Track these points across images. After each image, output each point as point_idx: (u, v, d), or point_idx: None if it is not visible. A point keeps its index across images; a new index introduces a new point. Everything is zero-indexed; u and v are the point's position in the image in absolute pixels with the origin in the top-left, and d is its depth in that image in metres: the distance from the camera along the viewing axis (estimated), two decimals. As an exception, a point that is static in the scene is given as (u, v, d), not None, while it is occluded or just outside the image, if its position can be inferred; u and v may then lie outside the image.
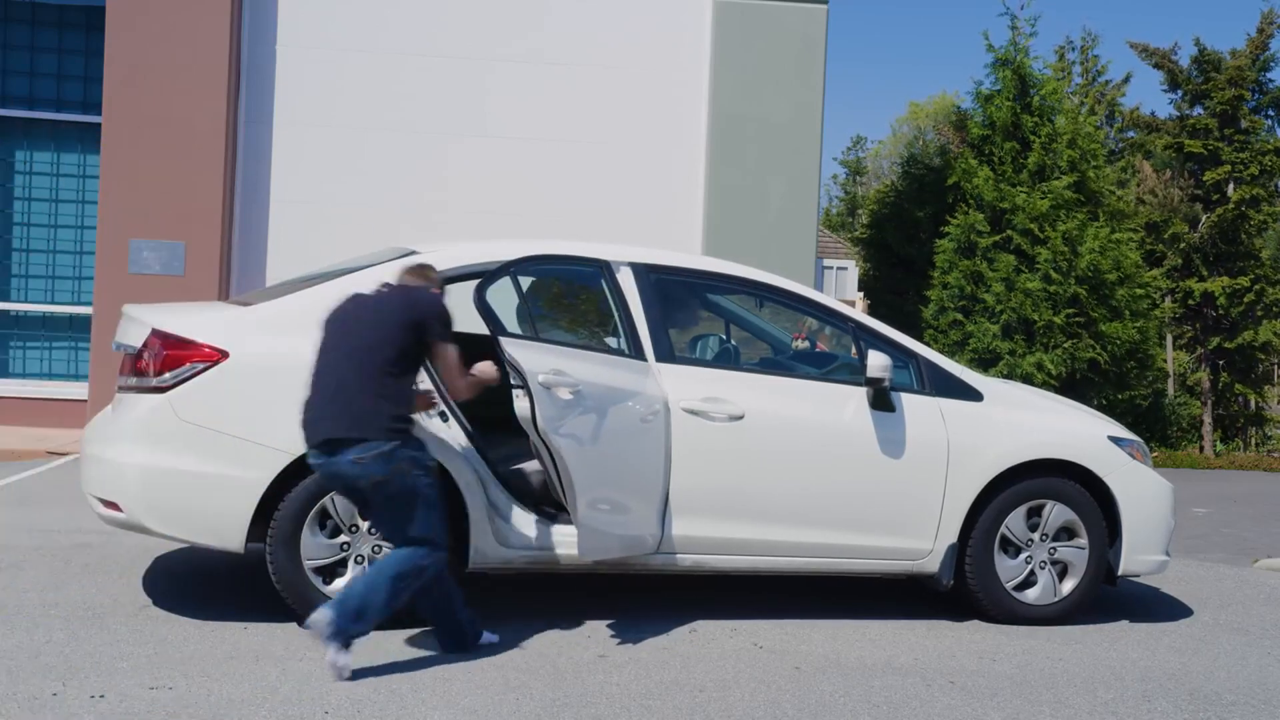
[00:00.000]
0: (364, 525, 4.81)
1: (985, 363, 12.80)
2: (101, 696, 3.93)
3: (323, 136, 10.92)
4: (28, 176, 11.30)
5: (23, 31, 11.28)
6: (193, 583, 5.56)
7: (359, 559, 4.85)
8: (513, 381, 4.57)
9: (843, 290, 28.77)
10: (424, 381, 4.71)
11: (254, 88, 10.88)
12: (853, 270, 28.05)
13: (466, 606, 4.64)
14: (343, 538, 4.83)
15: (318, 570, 4.78)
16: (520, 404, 4.54)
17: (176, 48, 10.34)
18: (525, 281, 5.19)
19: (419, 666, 4.43)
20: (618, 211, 11.02)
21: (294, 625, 4.81)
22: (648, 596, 5.71)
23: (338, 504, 4.78)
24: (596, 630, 5.07)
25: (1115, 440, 5.75)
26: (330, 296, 4.62)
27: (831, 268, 29.45)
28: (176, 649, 4.50)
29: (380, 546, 4.85)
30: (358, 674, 4.24)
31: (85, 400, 10.44)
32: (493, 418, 5.42)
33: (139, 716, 3.78)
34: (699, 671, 4.59)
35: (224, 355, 4.74)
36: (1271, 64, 18.86)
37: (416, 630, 4.82)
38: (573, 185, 11.11)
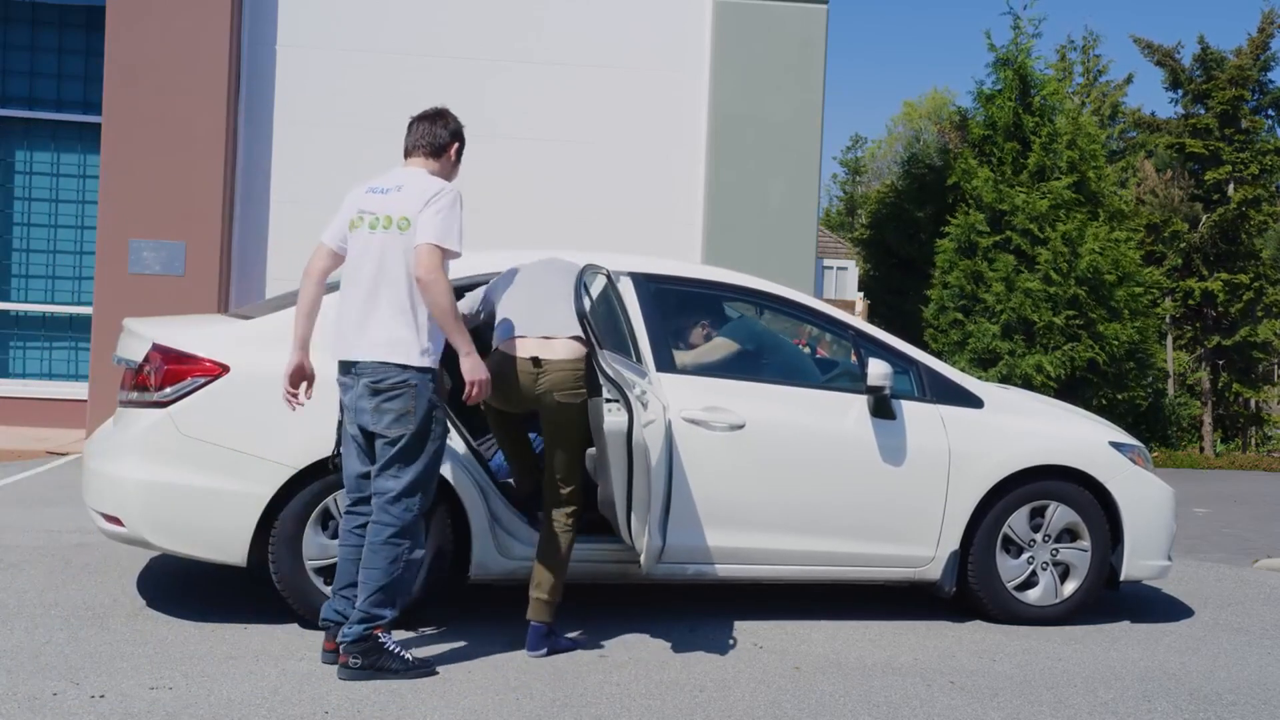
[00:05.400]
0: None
1: (985, 363, 12.78)
2: (101, 696, 3.93)
3: (323, 136, 10.90)
4: (28, 176, 11.29)
5: (23, 31, 11.27)
6: (193, 583, 5.55)
7: None
8: (606, 395, 4.52)
9: (843, 290, 28.84)
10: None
11: (254, 88, 10.86)
12: (853, 270, 28.09)
13: None
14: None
15: (319, 571, 4.78)
16: (619, 419, 4.34)
17: (176, 48, 10.32)
18: None
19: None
20: (618, 211, 11.00)
21: (294, 625, 4.81)
22: (647, 597, 5.71)
23: (340, 505, 4.77)
24: (596, 630, 5.07)
25: (1116, 445, 5.74)
26: (330, 308, 4.59)
27: (831, 268, 29.52)
28: (176, 649, 4.51)
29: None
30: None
31: (85, 400, 10.44)
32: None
33: (139, 716, 3.78)
34: (699, 671, 4.59)
35: (225, 369, 4.73)
36: (1272, 64, 18.85)
37: (417, 631, 4.83)
38: (573, 185, 11.09)
